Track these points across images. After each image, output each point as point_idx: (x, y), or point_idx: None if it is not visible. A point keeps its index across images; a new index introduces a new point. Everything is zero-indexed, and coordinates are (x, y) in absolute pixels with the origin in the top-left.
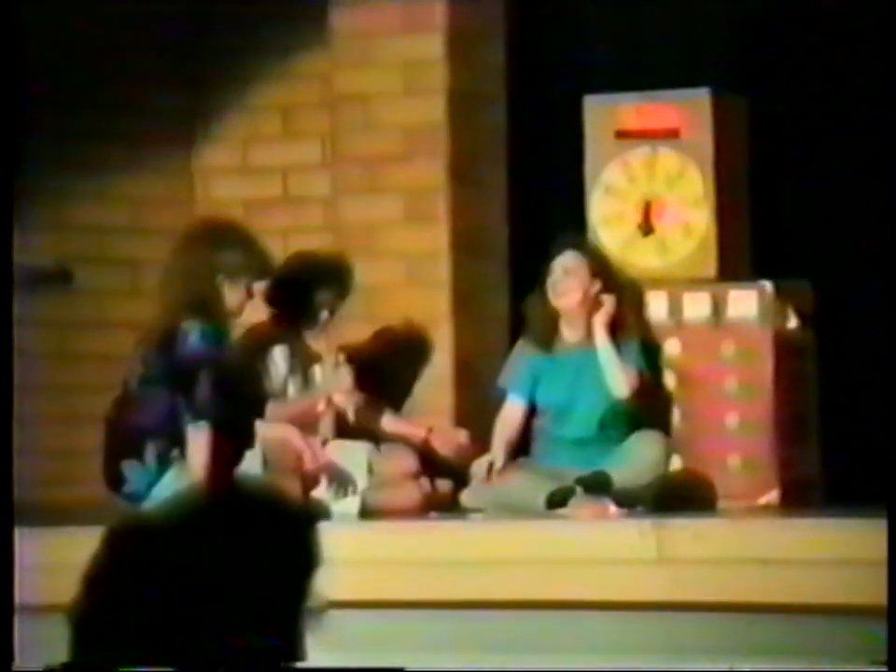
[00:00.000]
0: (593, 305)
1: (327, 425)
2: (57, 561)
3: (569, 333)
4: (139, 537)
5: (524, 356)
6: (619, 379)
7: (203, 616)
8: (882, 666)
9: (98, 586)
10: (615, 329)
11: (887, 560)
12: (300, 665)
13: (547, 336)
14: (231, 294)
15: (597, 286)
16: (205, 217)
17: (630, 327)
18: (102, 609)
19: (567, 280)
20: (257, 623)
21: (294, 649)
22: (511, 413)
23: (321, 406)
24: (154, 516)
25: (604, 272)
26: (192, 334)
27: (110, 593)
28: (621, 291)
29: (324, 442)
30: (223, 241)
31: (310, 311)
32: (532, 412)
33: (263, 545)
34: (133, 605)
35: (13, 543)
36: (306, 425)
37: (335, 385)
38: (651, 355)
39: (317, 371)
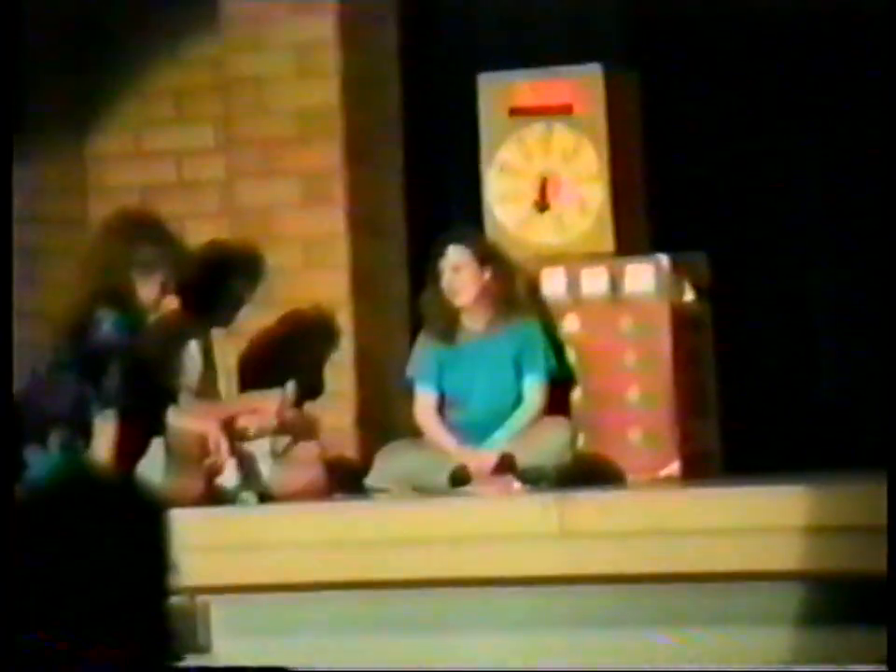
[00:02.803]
0: (488, 293)
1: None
2: None
3: (470, 323)
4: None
5: (428, 348)
6: (531, 410)
7: (62, 607)
8: (882, 666)
9: None
10: (511, 312)
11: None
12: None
13: (449, 330)
14: (145, 288)
15: (488, 273)
16: (124, 210)
17: (525, 307)
18: None
19: (458, 278)
20: (113, 617)
21: (159, 644)
22: (426, 403)
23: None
24: (25, 501)
25: (492, 258)
26: (105, 322)
27: None
28: (512, 274)
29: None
30: (138, 235)
31: (222, 301)
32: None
33: (110, 535)
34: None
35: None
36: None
37: (280, 400)
38: (551, 337)
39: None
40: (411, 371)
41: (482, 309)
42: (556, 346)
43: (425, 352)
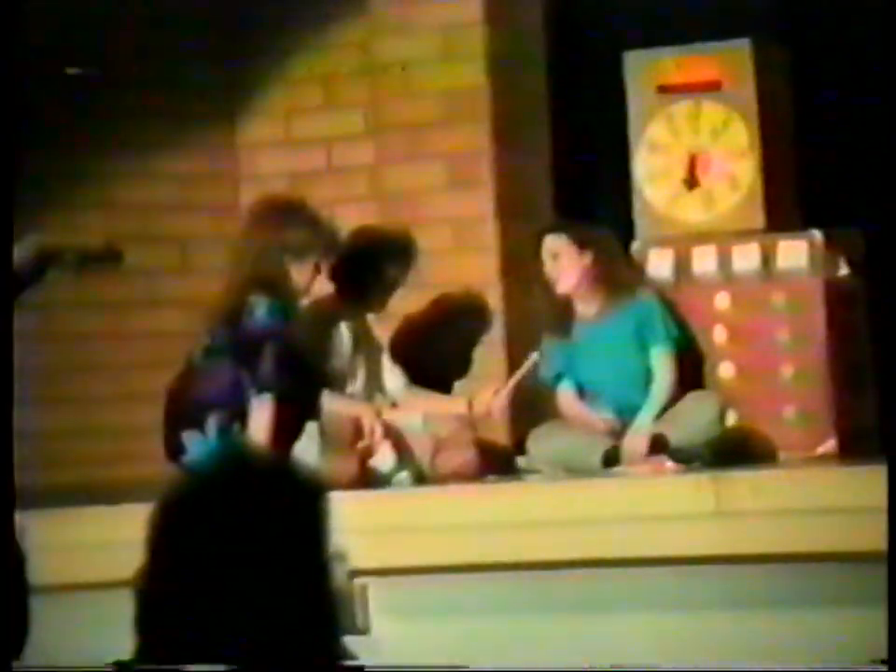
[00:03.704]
0: (592, 277)
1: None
2: (119, 538)
3: (584, 310)
4: (164, 518)
5: (551, 345)
6: (665, 382)
7: (227, 595)
8: (882, 666)
9: (148, 564)
10: (619, 293)
11: None
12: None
13: (562, 322)
14: (299, 273)
15: (588, 258)
16: (272, 195)
17: (633, 286)
18: (155, 585)
19: (557, 265)
20: (277, 601)
21: (320, 626)
22: (568, 397)
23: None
24: (180, 494)
25: (591, 242)
26: (259, 308)
27: (154, 571)
28: (615, 256)
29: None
30: (288, 221)
31: (375, 286)
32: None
33: (272, 517)
34: (173, 585)
35: (13, 528)
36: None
37: (393, 387)
38: (669, 310)
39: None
40: (544, 371)
41: (590, 295)
42: (676, 318)
43: (550, 350)
